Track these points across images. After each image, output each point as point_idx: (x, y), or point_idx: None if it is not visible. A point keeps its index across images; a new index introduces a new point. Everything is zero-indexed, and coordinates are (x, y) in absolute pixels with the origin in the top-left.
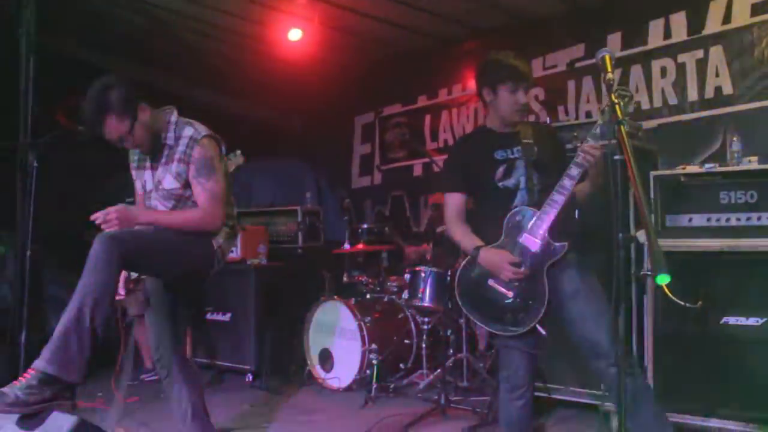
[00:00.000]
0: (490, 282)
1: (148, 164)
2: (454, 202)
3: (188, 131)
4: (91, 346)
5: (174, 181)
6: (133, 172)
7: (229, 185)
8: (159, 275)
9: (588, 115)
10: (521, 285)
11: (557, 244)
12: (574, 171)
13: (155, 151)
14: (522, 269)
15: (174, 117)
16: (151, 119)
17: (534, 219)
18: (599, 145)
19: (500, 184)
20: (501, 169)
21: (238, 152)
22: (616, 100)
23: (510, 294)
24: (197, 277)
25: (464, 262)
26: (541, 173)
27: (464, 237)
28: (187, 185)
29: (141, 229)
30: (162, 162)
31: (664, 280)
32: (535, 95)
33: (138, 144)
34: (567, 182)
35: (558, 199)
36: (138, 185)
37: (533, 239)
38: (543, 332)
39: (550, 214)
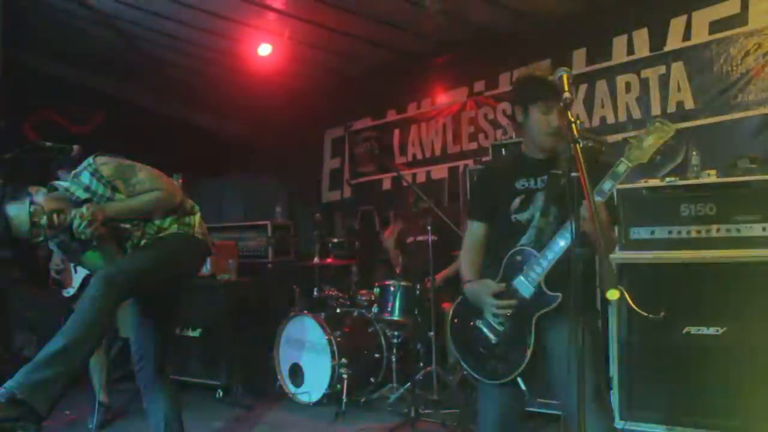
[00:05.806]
0: (477, 322)
1: None
2: (470, 230)
3: (81, 167)
4: (65, 384)
5: (84, 194)
6: None
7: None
8: (158, 290)
9: None
10: (506, 330)
11: (550, 293)
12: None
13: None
14: (506, 303)
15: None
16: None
17: (532, 262)
18: (599, 206)
19: (513, 217)
20: (518, 200)
21: (178, 176)
22: (572, 119)
23: (493, 337)
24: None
25: (459, 299)
26: (563, 209)
27: (465, 269)
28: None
29: (127, 259)
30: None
31: (614, 295)
32: (502, 110)
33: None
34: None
35: (561, 243)
36: None
37: (526, 284)
38: (523, 387)
39: (548, 259)
